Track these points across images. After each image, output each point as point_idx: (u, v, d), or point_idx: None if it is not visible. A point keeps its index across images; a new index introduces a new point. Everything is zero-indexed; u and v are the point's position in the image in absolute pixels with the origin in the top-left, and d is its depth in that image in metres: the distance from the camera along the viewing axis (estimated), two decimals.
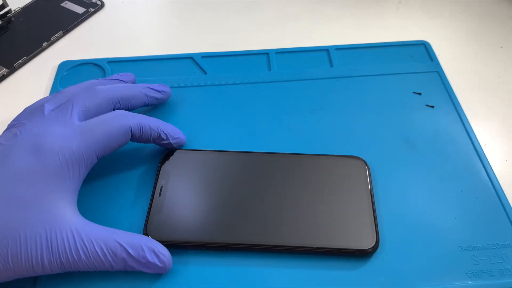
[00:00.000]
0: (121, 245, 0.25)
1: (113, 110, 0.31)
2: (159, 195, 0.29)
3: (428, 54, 0.40)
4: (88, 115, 0.29)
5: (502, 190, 0.31)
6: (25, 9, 0.46)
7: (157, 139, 0.30)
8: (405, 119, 0.35)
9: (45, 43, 0.42)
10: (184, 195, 0.30)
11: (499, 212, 0.30)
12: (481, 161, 0.32)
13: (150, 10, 0.47)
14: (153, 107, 0.36)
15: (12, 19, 0.45)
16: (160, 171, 0.31)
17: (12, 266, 0.23)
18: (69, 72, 0.40)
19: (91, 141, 0.27)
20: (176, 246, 0.27)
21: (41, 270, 0.24)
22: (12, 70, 0.40)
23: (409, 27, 0.44)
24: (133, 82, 0.36)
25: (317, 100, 0.37)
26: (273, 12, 0.46)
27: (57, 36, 0.43)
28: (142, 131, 0.29)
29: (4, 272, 0.23)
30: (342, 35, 0.43)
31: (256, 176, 0.30)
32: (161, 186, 0.30)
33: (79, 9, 0.46)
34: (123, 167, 0.32)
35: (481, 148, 0.33)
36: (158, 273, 0.27)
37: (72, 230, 0.24)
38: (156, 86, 0.34)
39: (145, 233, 0.28)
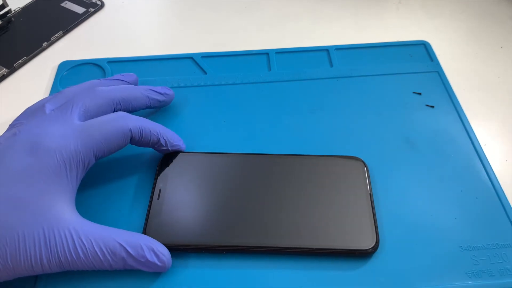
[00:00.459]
0: (120, 244, 0.25)
1: (114, 111, 0.31)
2: (158, 198, 0.29)
3: (428, 54, 0.40)
4: (88, 116, 0.29)
5: (502, 190, 0.31)
6: (25, 9, 0.46)
7: (156, 144, 0.30)
8: (405, 119, 0.35)
9: (45, 43, 0.42)
10: (183, 197, 0.30)
11: (499, 212, 0.30)
12: (481, 161, 0.32)
13: (150, 10, 0.47)
14: (155, 109, 0.36)
15: (12, 19, 0.45)
16: (159, 174, 0.31)
17: (12, 266, 0.23)
18: (69, 72, 0.40)
19: (89, 141, 0.27)
20: (175, 249, 0.27)
21: (40, 269, 0.24)
22: (12, 70, 0.40)
23: (409, 27, 0.44)
24: (135, 83, 0.36)
25: (317, 100, 0.37)
26: (273, 12, 0.46)
27: (57, 36, 0.43)
28: (142, 134, 0.29)
29: (4, 272, 0.23)
30: (342, 35, 0.43)
31: (254, 178, 0.30)
32: (160, 189, 0.30)
33: (79, 9, 0.46)
34: (121, 170, 0.32)
35: (481, 148, 0.33)
36: (157, 272, 0.27)
37: (70, 229, 0.24)
38: (159, 88, 0.34)
39: None
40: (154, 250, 0.26)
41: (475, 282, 0.26)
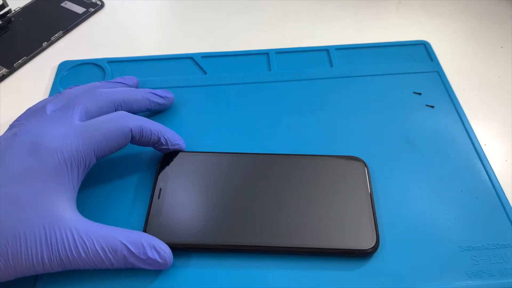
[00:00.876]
0: (121, 242, 0.25)
1: None
2: (158, 198, 0.29)
3: (428, 54, 0.40)
4: (89, 117, 0.29)
5: (502, 190, 0.31)
6: (25, 9, 0.46)
7: (157, 143, 0.30)
8: (405, 119, 0.35)
9: (45, 43, 0.42)
10: (183, 197, 0.30)
11: (499, 212, 0.30)
12: (481, 161, 0.32)
13: (150, 10, 0.47)
14: (154, 111, 0.36)
15: (12, 19, 0.45)
16: (159, 174, 0.31)
17: (13, 265, 0.23)
18: (69, 72, 0.40)
19: (90, 141, 0.27)
20: (176, 249, 0.27)
21: (42, 268, 0.24)
22: (12, 70, 0.40)
23: (409, 27, 0.44)
24: (136, 86, 0.36)
25: (317, 100, 0.37)
26: (273, 12, 0.46)
27: (57, 36, 0.43)
28: (143, 133, 0.29)
29: (6, 271, 0.23)
30: (342, 35, 0.43)
31: (254, 178, 0.30)
32: (160, 189, 0.30)
33: (79, 9, 0.46)
34: (121, 170, 0.32)
35: (481, 148, 0.33)
36: (157, 271, 0.27)
37: (71, 228, 0.24)
38: (159, 91, 0.34)
39: None
40: (155, 247, 0.26)
41: (475, 282, 0.26)
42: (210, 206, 0.29)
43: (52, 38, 0.43)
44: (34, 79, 0.40)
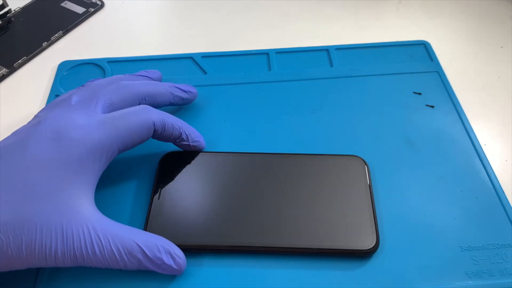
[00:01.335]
0: (137, 244, 0.24)
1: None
2: (158, 198, 0.29)
3: (428, 54, 0.40)
4: (113, 109, 0.29)
5: (502, 190, 0.31)
6: (25, 9, 0.46)
7: (178, 139, 0.30)
8: (405, 119, 0.35)
9: (45, 43, 0.42)
10: (183, 197, 0.30)
11: (499, 212, 0.30)
12: (481, 161, 0.32)
13: (150, 10, 0.47)
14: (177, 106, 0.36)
15: (12, 19, 0.45)
16: (159, 174, 0.31)
17: (25, 254, 0.23)
18: (69, 72, 0.40)
19: (113, 133, 0.27)
20: None
21: (53, 261, 0.23)
22: (12, 70, 0.40)
23: (409, 27, 0.44)
24: (159, 80, 0.36)
25: (317, 100, 0.37)
26: (273, 12, 0.46)
27: (57, 36, 0.43)
28: (165, 127, 0.29)
29: (16, 259, 0.23)
30: (342, 35, 0.43)
31: (254, 177, 0.30)
32: (160, 189, 0.30)
33: (79, 9, 0.46)
34: (121, 170, 0.32)
35: (481, 148, 0.33)
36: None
37: (88, 225, 0.24)
38: (183, 86, 0.34)
39: None
40: (171, 252, 0.25)
41: (475, 282, 0.26)
42: (210, 206, 0.29)
43: (52, 38, 0.43)
44: (34, 79, 0.40)
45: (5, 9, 0.44)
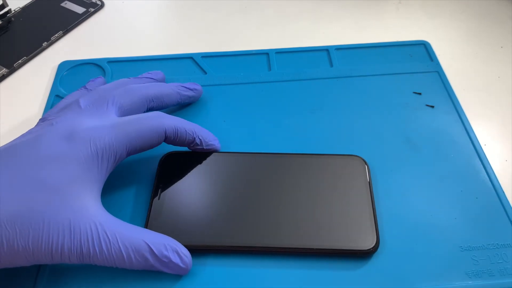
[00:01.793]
0: (145, 242, 0.25)
1: (147, 108, 0.32)
2: (158, 199, 0.29)
3: (428, 54, 0.40)
4: (122, 112, 0.30)
5: (502, 190, 0.31)
6: (25, 9, 0.46)
7: (192, 144, 0.30)
8: (405, 119, 0.35)
9: (45, 43, 0.42)
10: (183, 198, 0.30)
11: (499, 212, 0.30)
12: (481, 161, 0.32)
13: (150, 10, 0.47)
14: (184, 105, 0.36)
15: (12, 19, 0.45)
16: (159, 174, 0.31)
17: (31, 249, 0.23)
18: (69, 72, 0.40)
19: (123, 136, 0.27)
20: None
21: (59, 258, 0.23)
22: (12, 70, 0.40)
23: (409, 27, 0.44)
24: (163, 80, 0.37)
25: (317, 100, 0.37)
26: (273, 12, 0.46)
27: (57, 36, 0.43)
28: (178, 134, 0.29)
29: (23, 254, 0.23)
30: (342, 35, 0.43)
31: (254, 177, 0.30)
32: (160, 190, 0.30)
33: (79, 9, 0.46)
34: (121, 171, 0.32)
35: (481, 148, 0.33)
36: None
37: (96, 222, 0.24)
38: (188, 84, 0.35)
39: None
40: (178, 251, 0.26)
41: (475, 282, 0.26)
42: (210, 206, 0.29)
43: (52, 38, 0.43)
44: (34, 79, 0.40)
45: (5, 9, 0.44)
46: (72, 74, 0.39)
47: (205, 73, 0.39)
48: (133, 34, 0.44)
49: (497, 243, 0.28)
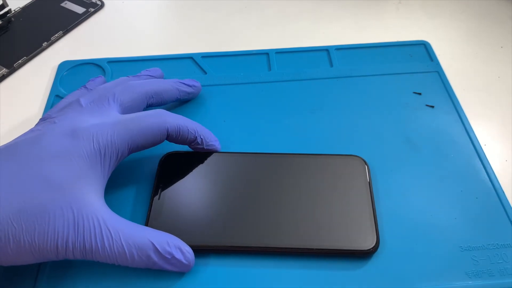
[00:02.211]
0: (148, 239, 0.25)
1: (147, 104, 0.32)
2: (158, 199, 0.29)
3: (428, 54, 0.40)
4: (123, 109, 0.30)
5: (502, 190, 0.31)
6: (25, 9, 0.46)
7: (193, 143, 0.30)
8: (405, 119, 0.35)
9: (45, 43, 0.42)
10: (183, 198, 0.30)
11: (499, 212, 0.30)
12: (481, 161, 0.32)
13: (150, 10, 0.47)
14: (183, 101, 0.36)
15: (12, 19, 0.45)
16: (159, 174, 0.31)
17: (37, 244, 0.23)
18: (69, 72, 0.40)
19: (125, 133, 0.27)
20: None
21: (64, 253, 0.24)
22: (12, 70, 0.40)
23: (409, 27, 0.44)
24: (161, 77, 0.37)
25: (317, 100, 0.37)
26: (273, 12, 0.46)
27: (57, 36, 0.43)
28: (180, 132, 0.29)
29: (29, 250, 0.23)
30: (342, 35, 0.43)
31: (254, 177, 0.30)
32: (160, 190, 0.30)
33: (79, 9, 0.46)
34: (121, 171, 0.32)
35: (481, 148, 0.33)
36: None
37: (99, 218, 0.24)
38: (187, 81, 0.35)
39: None
40: (181, 248, 0.26)
41: (475, 282, 0.26)
42: (210, 206, 0.29)
43: (52, 38, 0.43)
44: (34, 79, 0.40)
45: (5, 9, 0.44)
46: (72, 74, 0.39)
47: (205, 73, 0.39)
48: (133, 34, 0.44)
49: (497, 243, 0.28)
